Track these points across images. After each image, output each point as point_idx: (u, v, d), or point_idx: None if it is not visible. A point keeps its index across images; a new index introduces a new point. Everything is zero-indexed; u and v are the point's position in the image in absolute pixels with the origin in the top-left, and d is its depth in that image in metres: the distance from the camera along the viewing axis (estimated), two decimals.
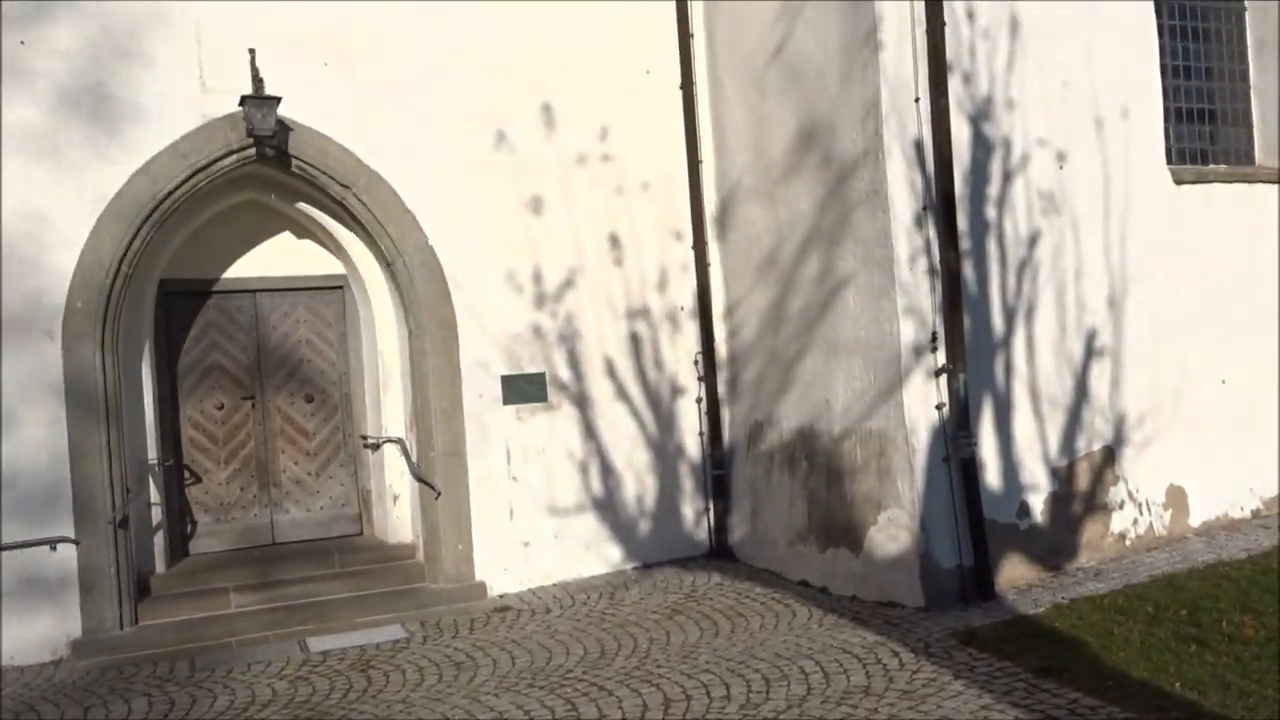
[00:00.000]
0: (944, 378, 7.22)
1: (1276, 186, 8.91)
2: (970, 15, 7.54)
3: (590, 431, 8.83)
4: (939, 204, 7.22)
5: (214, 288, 8.85)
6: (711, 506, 9.20)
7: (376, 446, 8.98)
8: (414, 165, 8.27)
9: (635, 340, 9.02)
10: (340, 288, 9.21)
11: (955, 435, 7.19)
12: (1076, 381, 7.92)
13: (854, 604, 7.37)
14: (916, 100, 7.22)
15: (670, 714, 5.58)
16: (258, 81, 7.63)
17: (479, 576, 8.33)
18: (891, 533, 7.28)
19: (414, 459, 8.54)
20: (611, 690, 6.03)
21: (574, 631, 7.29)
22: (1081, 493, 7.87)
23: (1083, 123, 8.02)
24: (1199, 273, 8.47)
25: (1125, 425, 8.13)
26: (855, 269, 7.51)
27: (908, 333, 7.17)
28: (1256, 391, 8.66)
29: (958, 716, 5.21)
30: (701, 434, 9.22)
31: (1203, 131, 9.10)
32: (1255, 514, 8.62)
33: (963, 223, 7.36)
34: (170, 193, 7.62)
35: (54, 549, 7.26)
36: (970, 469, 7.20)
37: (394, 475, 8.91)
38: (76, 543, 7.30)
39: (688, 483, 9.19)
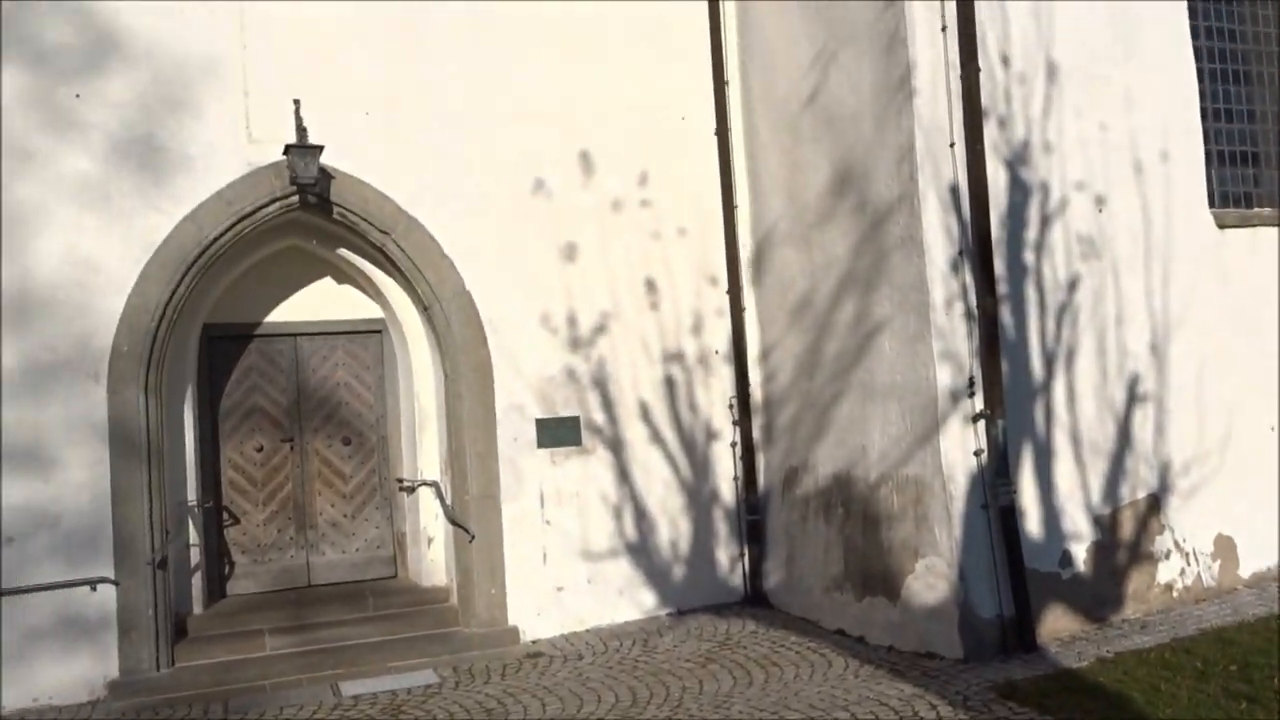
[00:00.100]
0: (982, 424, 7.13)
1: None
2: (1005, 60, 7.55)
3: (624, 475, 8.81)
4: (975, 248, 7.18)
5: (256, 331, 9.01)
6: (746, 552, 9.11)
7: (412, 489, 9.02)
8: (452, 211, 8.40)
9: (670, 384, 9.02)
10: (379, 331, 9.33)
11: (994, 482, 7.08)
12: (1119, 428, 7.77)
13: (891, 654, 7.23)
14: (951, 145, 7.22)
15: None
16: (301, 131, 7.81)
17: (512, 621, 8.31)
18: (929, 581, 7.15)
19: (449, 502, 8.57)
20: None
21: (606, 679, 7.22)
22: (1126, 542, 7.69)
23: (1122, 166, 7.97)
24: (1245, 317, 8.33)
25: (1170, 473, 7.95)
26: (891, 313, 7.47)
27: (944, 378, 7.10)
28: None
29: None
30: (736, 479, 9.17)
31: (1245, 175, 8.99)
32: None
33: (1000, 267, 7.31)
34: (215, 239, 7.79)
35: (94, 589, 7.35)
36: (1010, 517, 7.07)
37: (429, 518, 8.94)
38: (116, 583, 7.39)
39: (722, 528, 9.12)
